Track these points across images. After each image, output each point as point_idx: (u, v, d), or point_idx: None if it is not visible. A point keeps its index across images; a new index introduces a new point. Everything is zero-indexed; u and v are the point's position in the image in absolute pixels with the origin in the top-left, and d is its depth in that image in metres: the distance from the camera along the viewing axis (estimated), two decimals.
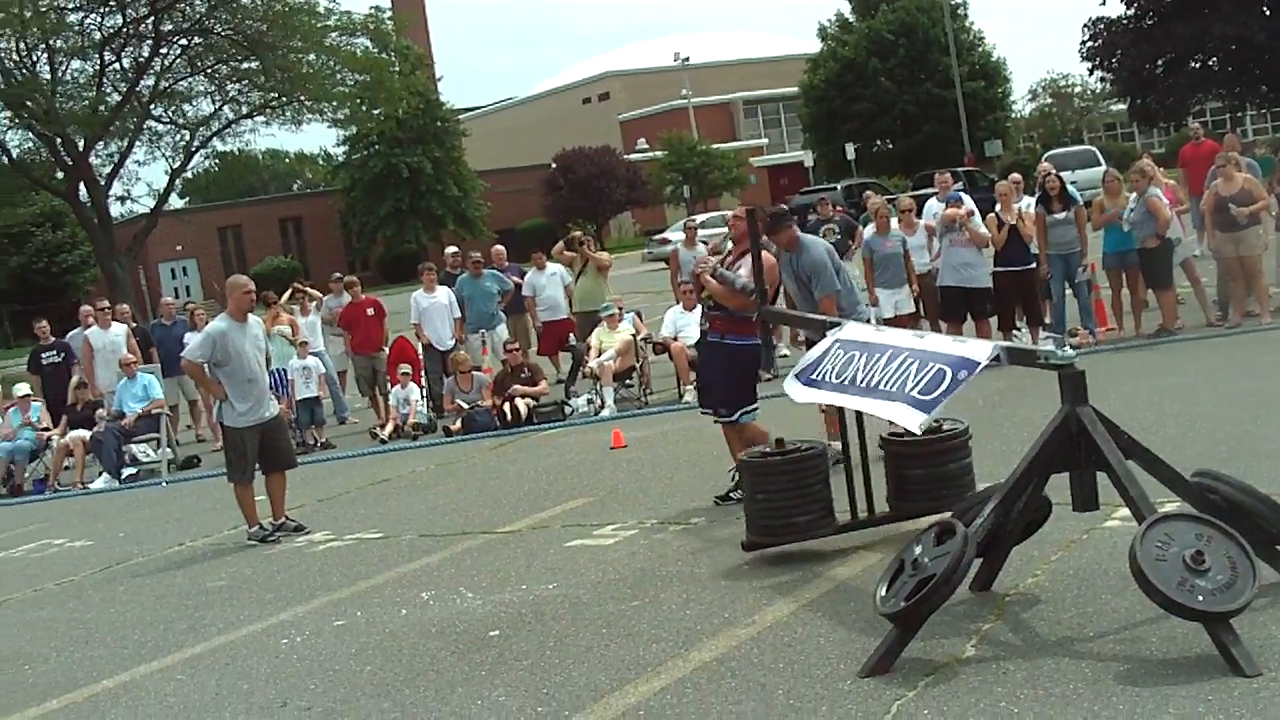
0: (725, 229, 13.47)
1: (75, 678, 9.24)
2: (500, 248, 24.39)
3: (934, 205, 19.97)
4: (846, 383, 8.44)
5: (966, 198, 19.32)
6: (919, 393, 7.59)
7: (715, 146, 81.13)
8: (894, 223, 19.48)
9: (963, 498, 8.94)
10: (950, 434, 9.55)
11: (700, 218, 32.95)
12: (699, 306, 19.80)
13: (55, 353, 23.08)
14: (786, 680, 7.04)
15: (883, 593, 7.20)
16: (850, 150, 73.19)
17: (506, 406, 18.97)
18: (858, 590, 8.39)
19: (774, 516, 9.28)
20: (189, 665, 9.06)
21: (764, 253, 11.37)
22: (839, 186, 53.10)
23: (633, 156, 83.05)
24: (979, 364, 7.46)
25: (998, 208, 18.51)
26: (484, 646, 8.42)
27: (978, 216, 18.60)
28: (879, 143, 79.75)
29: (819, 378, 8.82)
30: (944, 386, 7.46)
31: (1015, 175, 20.43)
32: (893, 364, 8.01)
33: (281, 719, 7.66)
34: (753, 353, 11.56)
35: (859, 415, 9.30)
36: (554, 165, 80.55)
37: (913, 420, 7.58)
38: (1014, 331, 18.52)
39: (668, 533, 10.81)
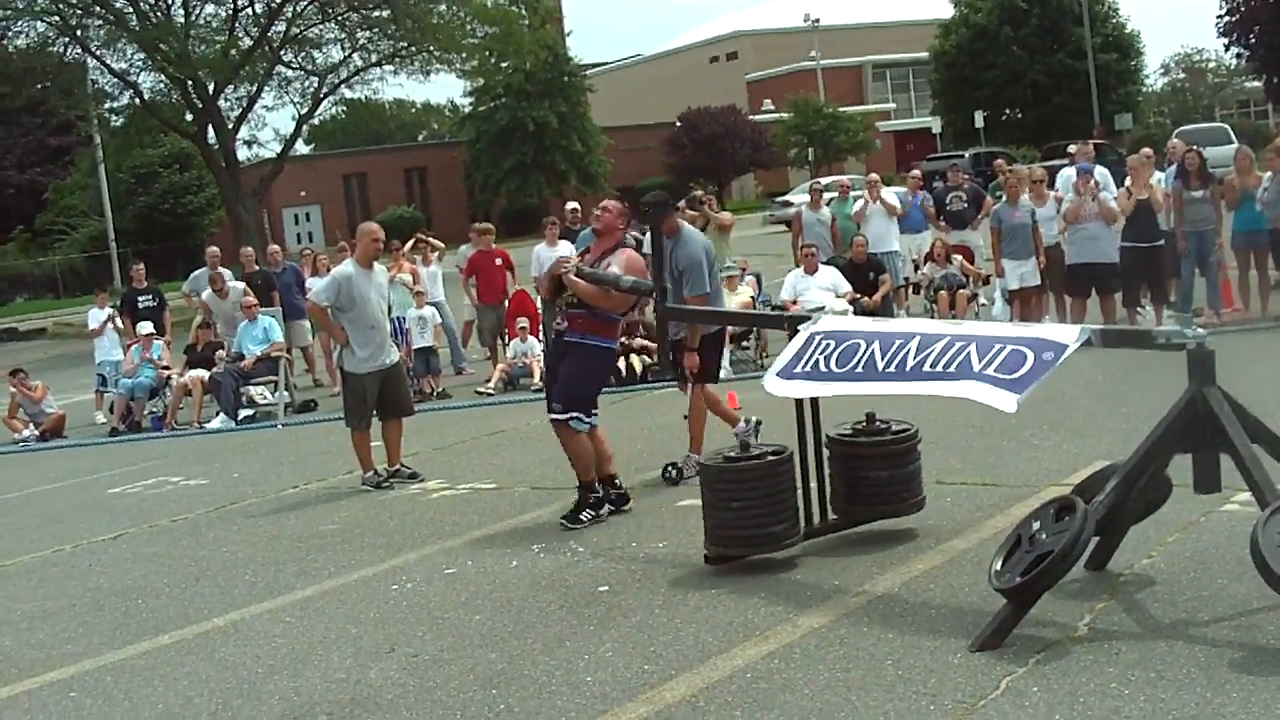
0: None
1: (186, 614, 9.34)
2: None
3: (1067, 173, 19.75)
4: (860, 370, 8.07)
5: (1102, 170, 19.10)
6: (1000, 372, 7.29)
7: (842, 109, 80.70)
8: (1025, 194, 19.24)
9: (917, 500, 9.19)
10: (909, 433, 9.22)
11: (825, 180, 32.71)
12: (821, 269, 19.85)
13: (150, 297, 23.37)
14: (895, 651, 6.96)
15: (998, 567, 7.10)
16: (979, 118, 72.41)
17: (621, 363, 18.95)
18: (972, 563, 8.28)
19: (750, 526, 8.61)
20: (299, 607, 9.13)
21: (628, 250, 11.01)
22: (967, 154, 52.55)
23: (758, 117, 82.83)
24: (1066, 347, 7.20)
25: (1128, 181, 18.26)
26: (593, 601, 8.42)
27: (1110, 190, 18.37)
28: (1008, 111, 78.77)
29: (807, 370, 8.42)
30: (1028, 367, 7.18)
31: (1147, 150, 20.14)
32: (935, 348, 7.70)
33: (389, 665, 7.68)
34: (610, 358, 11.32)
35: (815, 415, 8.97)
36: (678, 124, 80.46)
37: (1005, 400, 7.18)
38: (1138, 309, 18.27)
39: None
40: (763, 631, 7.49)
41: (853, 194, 24.24)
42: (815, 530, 9.08)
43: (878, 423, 9.24)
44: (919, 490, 9.20)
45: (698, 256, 11.67)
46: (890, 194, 22.66)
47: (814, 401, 8.91)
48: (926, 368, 7.68)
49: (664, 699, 6.65)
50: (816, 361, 8.37)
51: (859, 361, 8.11)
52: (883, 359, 7.96)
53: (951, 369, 7.52)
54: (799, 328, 8.81)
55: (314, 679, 7.57)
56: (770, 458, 8.69)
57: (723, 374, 18.47)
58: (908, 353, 7.83)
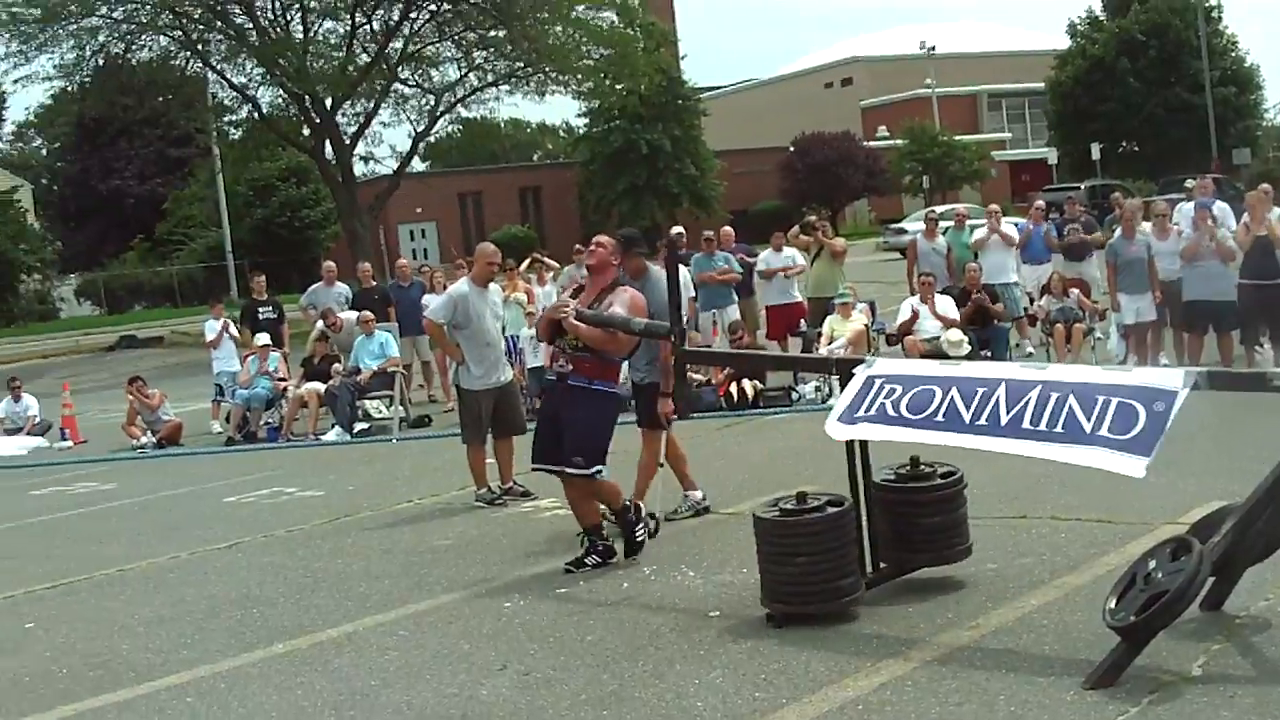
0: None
1: (301, 624, 9.47)
2: (729, 229, 24.41)
3: (1186, 208, 19.60)
4: (941, 419, 7.81)
5: (1221, 205, 18.92)
6: (1116, 433, 7.12)
7: (957, 138, 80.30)
8: (1146, 226, 19.06)
9: (965, 546, 8.91)
10: (957, 478, 8.92)
11: (940, 209, 32.59)
12: (936, 299, 19.79)
13: (270, 309, 23.67)
14: (1008, 686, 6.94)
15: (1112, 605, 7.05)
16: (1095, 150, 71.82)
17: (733, 387, 18.98)
18: (1086, 600, 8.20)
19: (817, 581, 8.20)
20: (412, 621, 9.22)
21: (627, 288, 10.56)
22: (1083, 186, 52.14)
23: (872, 144, 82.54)
24: (1175, 395, 7.07)
25: (1246, 217, 18.07)
26: (704, 626, 8.45)
27: (1229, 226, 18.20)
28: (1124, 144, 78.11)
29: (872, 414, 8.12)
30: (1143, 423, 7.03)
31: (1266, 185, 19.93)
32: (1029, 400, 7.49)
33: (500, 682, 7.75)
34: (615, 402, 10.68)
35: (865, 461, 8.63)
36: (792, 148, 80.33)
37: (1133, 465, 7.00)
38: (1256, 348, 18.06)
39: None
40: (874, 663, 7.49)
41: (969, 223, 24.15)
42: (869, 581, 8.72)
43: (922, 467, 8.97)
44: (966, 536, 8.93)
45: (665, 301, 11.35)
46: (1009, 225, 22.48)
47: (864, 447, 8.61)
48: (1028, 424, 7.45)
49: None
50: (883, 406, 8.11)
51: (938, 409, 7.87)
52: (968, 409, 7.74)
53: (1059, 429, 7.32)
54: (853, 371, 8.51)
55: (426, 693, 7.66)
56: (831, 509, 8.32)
57: (833, 400, 18.63)
58: (998, 404, 7.62)
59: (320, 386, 20.77)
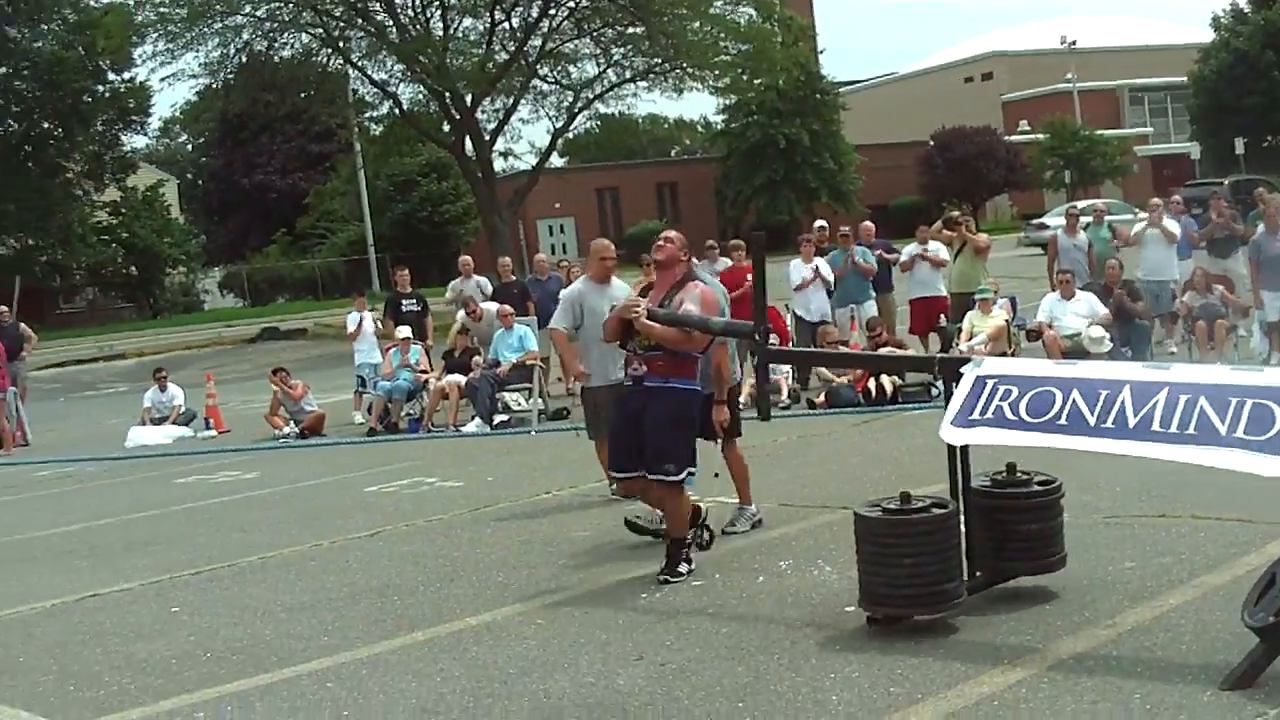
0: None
1: (440, 612, 9.58)
2: (869, 224, 24.32)
3: None
4: (1065, 422, 7.66)
5: None
6: (1252, 434, 7.02)
7: (1098, 132, 79.37)
8: None
9: (1061, 556, 8.69)
10: (1055, 485, 8.73)
11: (1081, 204, 32.27)
12: (1078, 295, 19.61)
13: (414, 301, 23.94)
14: (1144, 685, 6.89)
15: (1251, 605, 6.99)
16: (1239, 145, 70.69)
17: (871, 383, 18.92)
18: (1224, 600, 8.11)
19: (923, 584, 7.98)
20: (549, 610, 9.30)
21: (698, 284, 10.13)
22: (1226, 182, 51.36)
23: (1013, 138, 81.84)
24: None
25: None
26: (839, 621, 8.44)
27: None
28: (1269, 138, 76.80)
29: (989, 417, 7.97)
30: None
31: None
32: (1157, 403, 7.36)
33: (636, 672, 7.81)
34: (697, 400, 10.19)
35: (965, 466, 8.37)
36: (932, 143, 79.86)
37: (1267, 465, 6.92)
38: None
39: None
40: (1010, 660, 7.46)
41: (1108, 218, 23.90)
42: (968, 588, 8.44)
43: (1020, 473, 8.77)
44: (1062, 545, 8.71)
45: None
46: (1172, 221, 22.02)
47: (965, 451, 8.35)
48: (1158, 427, 7.34)
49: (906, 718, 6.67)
50: (1000, 409, 7.95)
51: (1060, 412, 7.72)
52: (1092, 411, 7.59)
53: (1192, 430, 7.22)
54: (960, 371, 8.35)
55: (563, 682, 7.73)
56: (938, 510, 8.09)
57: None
58: (1124, 406, 7.49)
59: (461, 379, 20.98)
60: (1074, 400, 7.70)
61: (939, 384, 18.57)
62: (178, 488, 18.03)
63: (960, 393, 8.17)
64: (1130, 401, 7.48)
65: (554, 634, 8.77)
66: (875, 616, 8.17)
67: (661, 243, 10.28)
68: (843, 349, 20.16)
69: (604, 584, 9.97)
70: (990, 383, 8.09)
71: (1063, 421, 7.69)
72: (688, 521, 10.13)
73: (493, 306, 22.28)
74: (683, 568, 9.88)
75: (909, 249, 22.81)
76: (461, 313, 22.77)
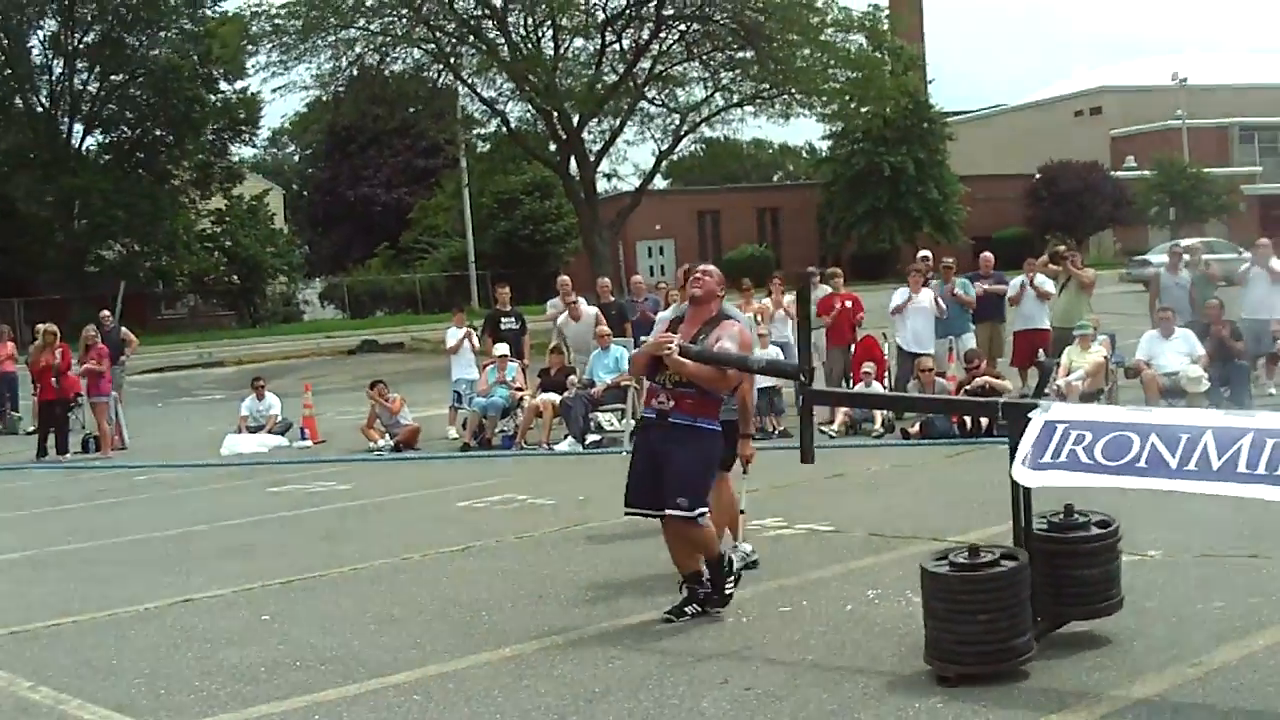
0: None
1: (528, 629, 9.63)
2: (989, 254, 24.23)
3: None
4: (1144, 464, 7.50)
5: None
6: None
7: (1206, 170, 78.64)
8: None
9: (1119, 599, 8.47)
10: (1114, 528, 8.51)
11: (1185, 242, 31.98)
12: (1177, 333, 19.44)
13: (513, 319, 24.06)
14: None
15: None
16: None
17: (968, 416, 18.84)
18: None
19: (996, 640, 7.71)
20: (636, 632, 9.32)
21: (733, 321, 9.90)
22: None
23: (1120, 174, 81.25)
24: None
25: None
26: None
27: None
28: None
29: (1063, 461, 7.78)
30: None
31: None
32: (1243, 445, 7.25)
33: (721, 695, 7.82)
34: (719, 441, 9.81)
35: (1028, 509, 8.18)
36: (1038, 175, 79.44)
37: None
38: None
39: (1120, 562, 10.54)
40: (1095, 695, 7.44)
41: (1205, 257, 23.80)
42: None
43: (1077, 515, 8.56)
44: (1119, 589, 8.48)
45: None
46: (1277, 261, 21.80)
47: (1028, 494, 8.15)
48: (1244, 468, 7.20)
49: None
50: (1073, 453, 7.78)
51: (1138, 456, 7.57)
52: (1173, 455, 7.46)
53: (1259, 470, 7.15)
54: (1029, 416, 8.15)
55: (648, 703, 7.75)
56: (1008, 563, 7.88)
57: None
58: (1206, 449, 7.36)
59: (555, 397, 21.08)
60: (1153, 444, 7.58)
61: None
62: (272, 496, 18.23)
63: (1029, 436, 8.00)
64: (1213, 445, 7.38)
65: (640, 655, 8.81)
66: (946, 675, 7.82)
67: (700, 277, 9.92)
68: (936, 379, 20.14)
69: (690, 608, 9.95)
70: (1060, 427, 7.94)
71: (1142, 464, 7.58)
72: (697, 563, 9.74)
73: (591, 310, 22.43)
74: (690, 608, 9.64)
75: (1015, 281, 22.72)
76: (562, 315, 22.77)
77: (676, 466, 9.47)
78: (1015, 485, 8.10)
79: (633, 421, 20.35)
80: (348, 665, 8.99)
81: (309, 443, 24.60)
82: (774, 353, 21.10)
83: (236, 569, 12.72)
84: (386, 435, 22.50)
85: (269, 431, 24.88)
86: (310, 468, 21.19)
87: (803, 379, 9.65)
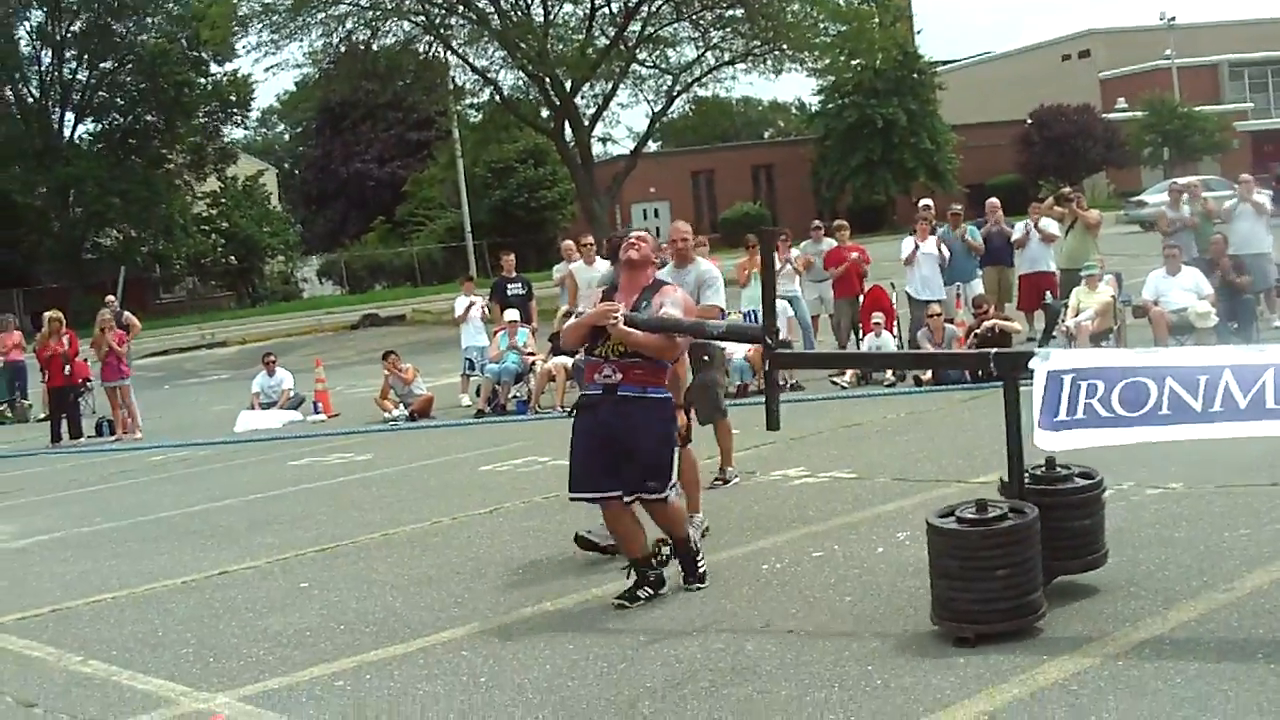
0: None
1: (565, 584, 9.75)
2: (996, 200, 24.35)
3: None
4: (1169, 411, 7.31)
5: None
6: None
7: (1198, 109, 78.58)
8: None
9: (1105, 552, 8.32)
10: (1099, 479, 8.32)
11: (1182, 180, 32.07)
12: (1184, 270, 19.53)
13: (519, 285, 24.15)
14: (1266, 646, 7.01)
15: None
16: None
17: None
18: None
19: (1016, 595, 7.46)
20: (674, 582, 9.40)
21: (673, 286, 9.58)
22: None
23: (1111, 116, 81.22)
24: None
25: None
26: None
27: None
28: None
29: (1081, 417, 7.50)
30: None
31: None
32: (1266, 380, 7.14)
33: (764, 638, 7.98)
34: (673, 407, 9.31)
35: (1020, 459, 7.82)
36: (1029, 121, 79.48)
37: None
38: None
39: (1144, 495, 10.69)
40: (1133, 622, 7.60)
41: (1204, 194, 23.95)
42: None
43: (1059, 468, 8.31)
44: (1104, 541, 8.35)
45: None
46: (1262, 194, 22.04)
47: (1021, 446, 7.83)
48: (1273, 404, 7.10)
49: (1036, 681, 6.79)
50: (1090, 408, 7.49)
51: (1159, 402, 7.36)
52: (1196, 398, 7.29)
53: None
54: (1030, 366, 7.80)
55: (693, 648, 7.90)
56: (1023, 515, 7.60)
57: None
58: (1229, 389, 7.22)
59: (568, 361, 21.15)
60: (1171, 389, 7.36)
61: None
62: (293, 469, 18.34)
63: (1038, 392, 7.64)
64: (1235, 384, 7.24)
65: (680, 604, 8.96)
66: (965, 635, 7.48)
67: (636, 241, 9.40)
68: (949, 326, 20.28)
69: (723, 557, 10.08)
70: (1068, 378, 7.61)
71: (1165, 411, 7.35)
72: (685, 520, 9.47)
73: (606, 261, 22.58)
74: (642, 592, 9.08)
75: (1020, 225, 22.84)
76: (576, 262, 22.78)
77: (642, 448, 8.96)
78: (1012, 437, 7.82)
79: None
80: (392, 626, 9.13)
81: (323, 416, 24.73)
82: (782, 306, 21.26)
83: (268, 540, 12.86)
84: (401, 405, 22.62)
85: (282, 407, 25.00)
86: (327, 440, 21.31)
87: (768, 341, 9.17)
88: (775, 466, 13.76)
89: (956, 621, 7.54)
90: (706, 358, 12.37)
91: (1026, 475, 8.08)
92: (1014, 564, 7.44)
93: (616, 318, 8.85)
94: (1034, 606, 7.52)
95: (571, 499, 9.45)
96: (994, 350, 9.74)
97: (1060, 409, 7.55)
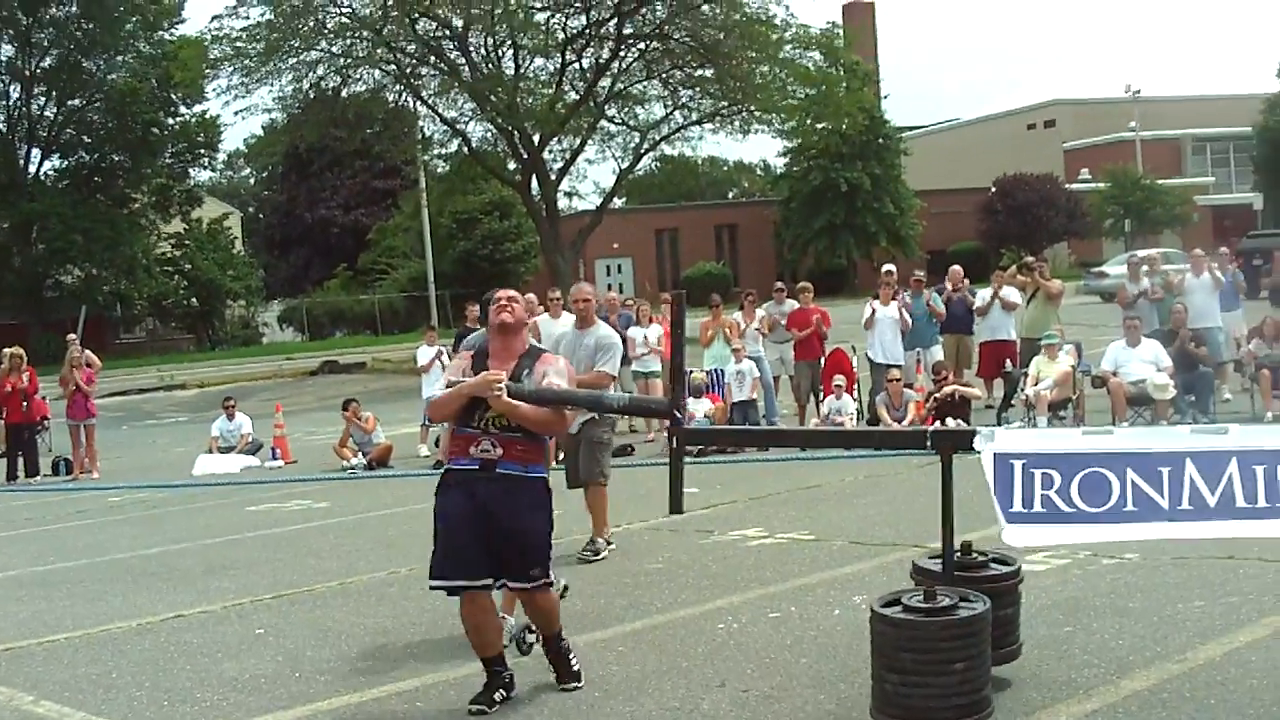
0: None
1: (526, 637, 9.75)
2: (958, 267, 24.54)
3: None
4: (1135, 509, 6.87)
5: None
6: None
7: (1160, 182, 79.26)
8: None
9: (1018, 646, 7.87)
10: (1016, 567, 7.88)
11: (1141, 253, 32.39)
12: (1144, 342, 19.68)
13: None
14: (1218, 717, 7.08)
15: None
16: None
17: (935, 424, 19.05)
18: None
19: (971, 690, 6.90)
20: (630, 638, 9.48)
21: (548, 354, 8.73)
22: None
23: (1075, 186, 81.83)
24: None
25: None
26: None
27: None
28: None
29: (1041, 512, 6.98)
30: None
31: None
32: (1228, 475, 6.82)
33: (720, 697, 8.00)
34: (548, 486, 8.42)
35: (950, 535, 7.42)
36: (993, 189, 79.98)
37: None
38: None
39: (1100, 565, 10.75)
40: (1086, 691, 7.66)
41: (1164, 267, 24.21)
42: None
43: (975, 554, 7.84)
44: (1019, 634, 7.92)
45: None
46: (1213, 270, 22.34)
47: (951, 528, 7.42)
48: (1243, 503, 6.80)
49: None
50: (1049, 501, 6.99)
51: (1124, 497, 6.92)
52: (1161, 494, 6.88)
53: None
54: (974, 447, 7.20)
55: (649, 705, 7.93)
56: (974, 605, 7.08)
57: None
58: (1194, 484, 6.86)
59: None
60: (1133, 482, 6.94)
61: (1004, 426, 18.91)
62: (251, 515, 18.31)
63: (989, 477, 7.09)
64: (1199, 477, 6.88)
65: (635, 660, 8.97)
66: None
67: (507, 303, 8.40)
68: (908, 390, 20.37)
69: (681, 615, 10.14)
70: (1018, 465, 7.08)
71: (1131, 508, 6.93)
72: (558, 615, 8.59)
73: (569, 316, 22.66)
74: (575, 663, 8.49)
75: (983, 293, 23.02)
76: (542, 317, 22.80)
77: (525, 530, 8.14)
78: (947, 518, 7.37)
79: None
80: (347, 675, 9.13)
81: (281, 462, 24.69)
82: (748, 366, 21.37)
83: (225, 585, 12.83)
84: (360, 454, 22.61)
85: (240, 451, 24.96)
86: (286, 486, 21.28)
87: (677, 414, 8.31)
88: (734, 526, 13.81)
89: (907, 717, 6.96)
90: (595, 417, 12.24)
91: (938, 562, 7.74)
92: (971, 657, 6.91)
93: (500, 388, 7.92)
94: (986, 704, 6.99)
95: (433, 587, 8.31)
96: (930, 429, 9.47)
97: (1015, 499, 7.03)
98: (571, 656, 8.48)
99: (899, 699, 6.92)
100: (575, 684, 8.37)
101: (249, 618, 11.28)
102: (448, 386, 8.24)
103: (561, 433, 8.67)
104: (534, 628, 8.78)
